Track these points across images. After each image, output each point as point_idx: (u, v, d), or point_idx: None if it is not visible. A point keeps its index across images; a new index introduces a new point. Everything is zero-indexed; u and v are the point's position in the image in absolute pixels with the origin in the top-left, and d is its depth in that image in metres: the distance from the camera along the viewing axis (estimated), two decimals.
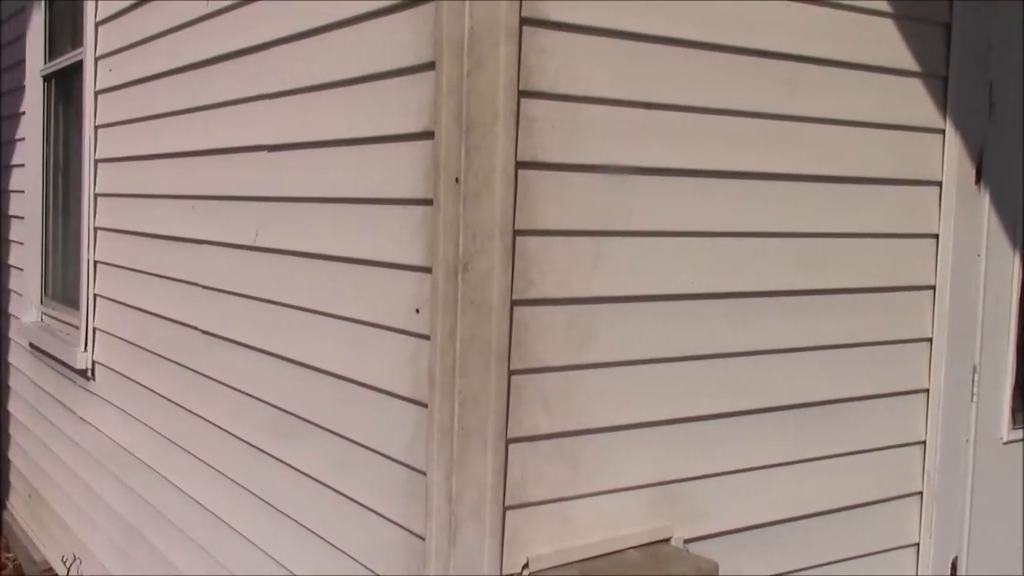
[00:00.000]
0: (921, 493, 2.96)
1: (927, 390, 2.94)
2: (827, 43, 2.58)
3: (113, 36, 4.18)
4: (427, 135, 2.16)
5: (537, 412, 2.20)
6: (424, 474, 2.18)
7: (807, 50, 2.54)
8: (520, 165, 2.12)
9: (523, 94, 2.11)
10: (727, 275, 2.48)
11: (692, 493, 2.48)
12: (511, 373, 2.15)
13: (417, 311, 2.22)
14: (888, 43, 2.72)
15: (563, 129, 2.17)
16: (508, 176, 2.10)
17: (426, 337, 2.18)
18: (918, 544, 2.97)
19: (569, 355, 2.24)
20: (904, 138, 2.79)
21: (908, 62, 2.77)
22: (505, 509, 2.16)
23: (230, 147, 3.15)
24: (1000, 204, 3.02)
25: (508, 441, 2.16)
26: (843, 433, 2.77)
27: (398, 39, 2.26)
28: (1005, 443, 3.13)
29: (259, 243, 2.99)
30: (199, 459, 3.46)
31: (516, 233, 2.13)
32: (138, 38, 3.88)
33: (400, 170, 2.27)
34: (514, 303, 2.14)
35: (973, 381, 3.01)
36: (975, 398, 3.02)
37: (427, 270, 2.18)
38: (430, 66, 2.14)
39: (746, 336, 2.54)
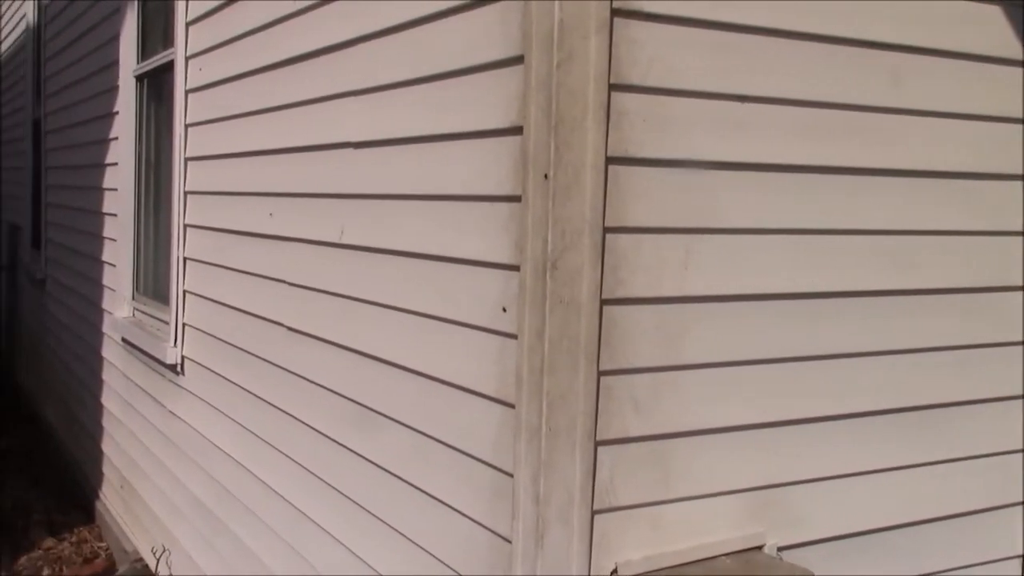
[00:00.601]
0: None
1: None
2: (931, 31, 2.47)
3: (203, 35, 4.23)
4: (515, 130, 2.11)
5: (627, 414, 2.14)
6: (511, 475, 2.14)
7: (910, 39, 2.44)
8: (610, 160, 2.06)
9: (613, 87, 2.06)
10: (824, 274, 2.39)
11: (788, 498, 2.39)
12: (600, 374, 2.10)
13: (504, 309, 2.18)
14: (992, 29, 2.59)
15: (654, 123, 2.11)
16: (598, 171, 2.05)
17: (513, 336, 2.14)
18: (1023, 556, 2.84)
19: (660, 356, 2.17)
20: (1004, 130, 2.66)
21: (1013, 49, 2.64)
22: (593, 512, 2.11)
23: (317, 144, 3.15)
24: None
25: (597, 443, 2.11)
26: (949, 438, 2.65)
27: (485, 33, 2.22)
28: None
29: (344, 240, 2.98)
30: (283, 453, 3.48)
31: (606, 230, 2.07)
32: (227, 37, 3.92)
33: (487, 166, 2.23)
34: (603, 302, 2.09)
35: None
36: None
37: (514, 268, 2.13)
38: (518, 60, 2.10)
39: (844, 337, 2.44)
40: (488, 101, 2.21)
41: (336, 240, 3.03)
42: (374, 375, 2.81)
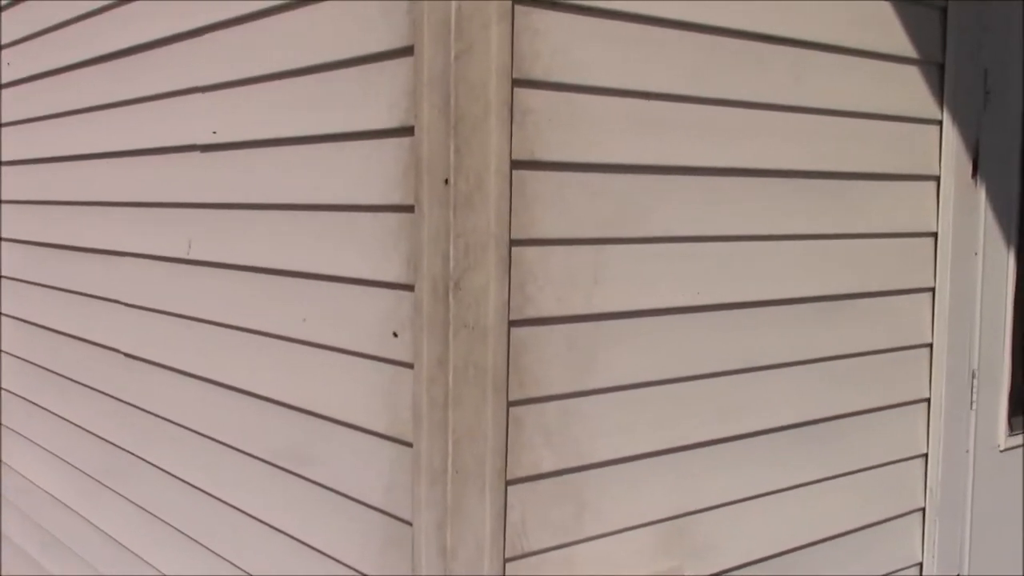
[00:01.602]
0: (923, 509, 2.78)
1: (928, 399, 2.75)
2: (830, 27, 2.36)
3: (14, 24, 3.76)
4: (405, 131, 1.86)
5: (538, 447, 1.92)
6: (409, 523, 1.89)
7: (811, 35, 2.32)
8: (515, 164, 1.84)
9: (517, 83, 1.83)
10: (733, 284, 2.24)
11: (700, 527, 2.23)
12: (510, 404, 1.87)
13: (395, 335, 1.92)
14: (887, 27, 2.51)
15: (561, 122, 1.90)
16: (502, 177, 1.82)
17: (407, 365, 1.89)
18: (921, 564, 2.79)
19: (571, 381, 1.97)
20: (904, 130, 2.59)
21: (907, 48, 2.57)
22: (505, 561, 1.88)
23: (157, 147, 2.79)
24: (995, 199, 2.86)
25: (508, 482, 1.88)
26: (848, 450, 2.56)
27: (366, 20, 1.95)
28: (1002, 451, 2.97)
29: (193, 255, 2.64)
30: (123, 496, 3.10)
31: (512, 243, 1.85)
32: (44, 26, 3.47)
33: (371, 172, 1.96)
34: (511, 324, 1.86)
35: (972, 387, 2.83)
36: (974, 405, 2.85)
37: (407, 287, 1.88)
38: (407, 51, 1.85)
39: (752, 350, 2.30)
40: (371, 98, 1.95)
41: (183, 255, 2.69)
42: (234, 409, 2.49)
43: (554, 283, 1.92)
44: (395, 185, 1.90)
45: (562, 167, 1.92)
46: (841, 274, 2.49)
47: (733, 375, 2.26)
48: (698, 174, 2.14)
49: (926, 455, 2.77)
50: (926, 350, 2.74)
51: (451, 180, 1.76)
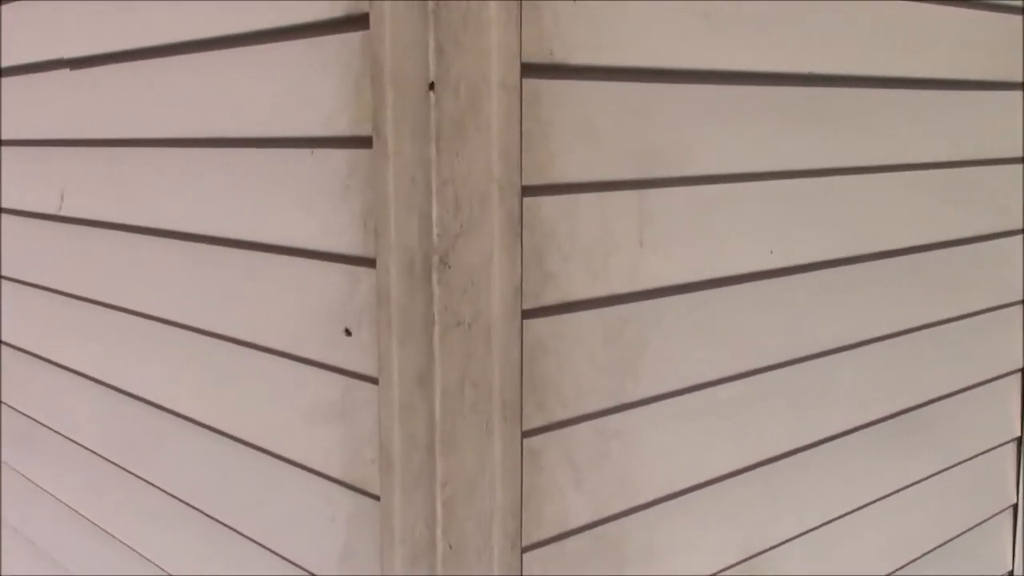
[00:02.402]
0: (1016, 505, 2.24)
1: (1023, 369, 2.19)
2: None
3: None
4: (355, 22, 1.21)
5: (565, 493, 1.31)
6: None
7: None
8: (527, 70, 1.20)
9: None
10: (815, 235, 1.64)
11: (776, 563, 1.65)
12: (524, 435, 1.25)
13: (347, 332, 1.29)
14: None
15: (590, 11, 1.26)
16: (510, 90, 1.18)
17: (368, 379, 1.26)
18: (1012, 571, 2.25)
19: (610, 390, 1.35)
20: (992, 21, 1.98)
21: None
22: None
23: (15, 65, 2.09)
24: None
25: (523, 550, 1.27)
26: (938, 443, 2.00)
27: None
28: None
29: (67, 211, 1.97)
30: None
31: (524, 191, 1.22)
32: None
33: (303, 86, 1.31)
34: (526, 315, 1.24)
35: None
36: None
37: (364, 262, 1.25)
38: None
39: (838, 325, 1.71)
40: None
41: (55, 210, 2.01)
42: (129, 419, 1.85)
43: (585, 249, 1.30)
44: (341, 105, 1.25)
45: (592, 74, 1.28)
46: (943, 214, 1.90)
47: (815, 359, 1.67)
48: (769, 83, 1.51)
49: (1020, 439, 2.22)
50: (1019, 308, 2.17)
51: (434, 96, 1.12)
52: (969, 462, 2.09)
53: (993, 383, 2.12)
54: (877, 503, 1.85)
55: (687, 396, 1.46)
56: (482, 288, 1.18)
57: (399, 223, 1.17)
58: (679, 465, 1.47)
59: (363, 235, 1.25)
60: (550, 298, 1.26)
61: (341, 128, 1.26)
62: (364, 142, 1.22)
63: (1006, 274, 2.11)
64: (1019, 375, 2.19)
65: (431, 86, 1.12)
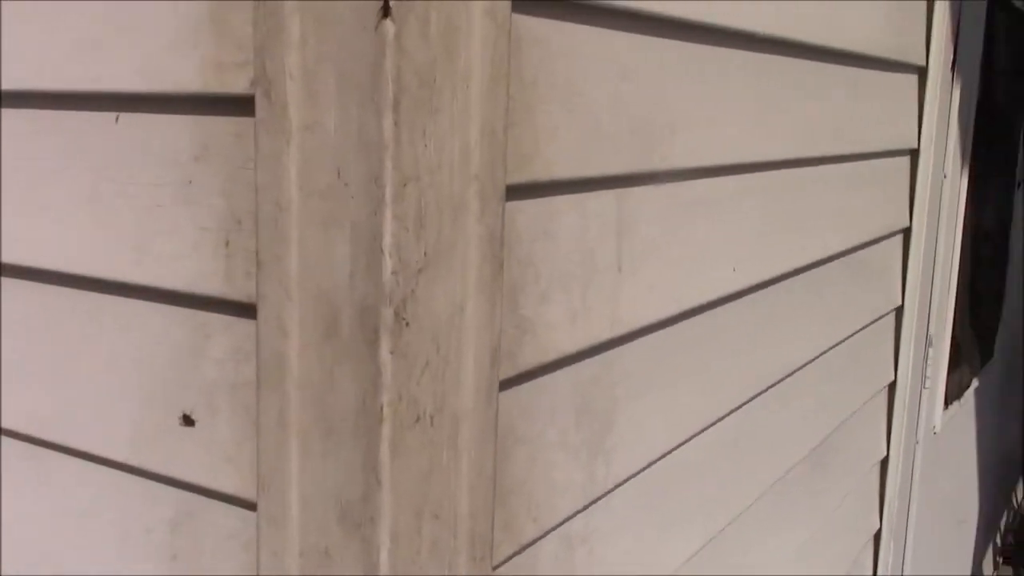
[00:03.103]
0: (879, 532, 2.04)
1: (893, 383, 1.99)
2: None
3: None
4: None
5: None
6: None
7: None
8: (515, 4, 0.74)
9: None
10: (768, 246, 1.29)
11: None
12: (496, 569, 0.81)
13: (187, 420, 0.78)
14: None
15: None
16: (500, 25, 0.72)
17: (234, 502, 0.76)
18: None
19: (581, 485, 0.93)
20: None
21: None
22: None
23: None
24: (965, 103, 2.12)
25: None
26: (833, 475, 1.74)
27: None
28: (936, 434, 2.31)
29: None
30: None
31: (509, 194, 0.76)
32: None
33: (120, 15, 0.78)
34: (503, 386, 0.79)
35: (926, 359, 2.11)
36: (928, 382, 2.14)
37: (226, 308, 0.75)
38: None
39: (782, 350, 1.38)
40: None
41: None
42: None
43: (563, 280, 0.86)
44: (184, 36, 0.74)
45: (582, 11, 0.84)
46: (826, 223, 1.61)
47: (762, 397, 1.33)
48: (732, 42, 1.14)
49: (886, 459, 2.02)
50: (892, 316, 1.96)
51: (392, 27, 0.64)
52: (848, 490, 1.86)
53: (871, 401, 1.90)
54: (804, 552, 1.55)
55: (652, 469, 1.07)
56: (451, 356, 0.71)
57: (311, 250, 0.68)
58: (650, 556, 1.07)
59: (221, 263, 0.75)
60: (527, 359, 0.82)
61: (183, 77, 0.75)
62: (232, 104, 0.72)
63: (880, 281, 1.88)
64: (887, 391, 1.99)
65: (385, 10, 0.64)
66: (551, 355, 0.84)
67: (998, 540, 3.83)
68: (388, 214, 0.65)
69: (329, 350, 0.69)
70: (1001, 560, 3.85)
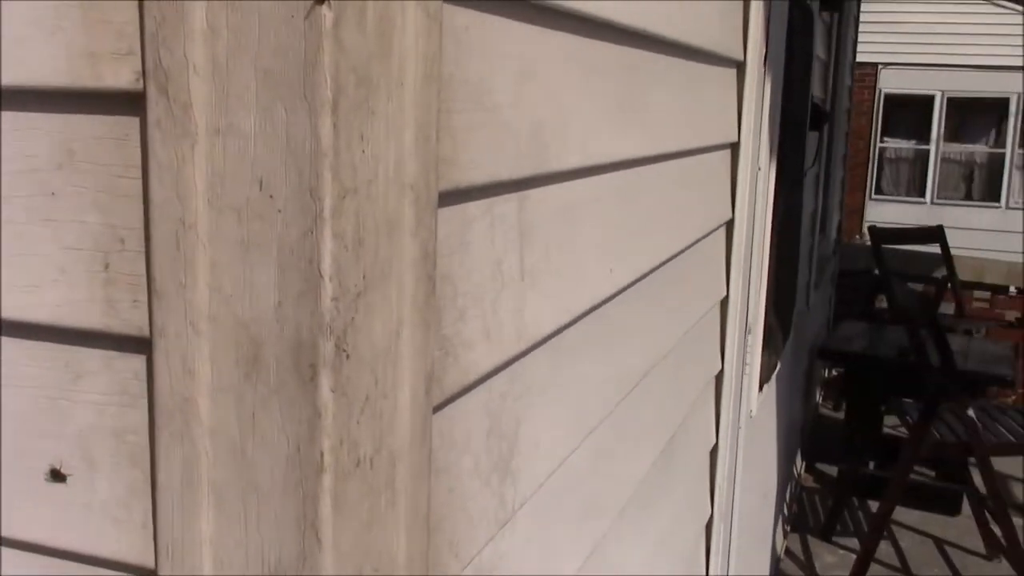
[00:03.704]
0: (711, 519, 2.09)
1: (721, 372, 2.04)
2: None
3: None
4: None
5: None
6: None
7: None
8: None
9: None
10: (638, 242, 1.27)
11: None
12: None
13: (56, 475, 0.66)
14: None
15: None
16: (432, 16, 0.64)
17: (140, 573, 0.65)
18: None
19: (494, 511, 0.87)
20: None
21: None
22: None
23: None
24: (773, 99, 2.19)
25: None
26: (679, 472, 1.75)
27: None
28: (753, 417, 2.39)
29: None
30: None
31: (441, 199, 0.69)
32: None
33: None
34: (436, 410, 0.71)
35: (745, 347, 2.18)
36: (747, 368, 2.21)
37: (103, 341, 0.64)
38: None
39: (645, 348, 1.36)
40: None
41: None
42: None
43: (477, 294, 0.79)
44: (42, 30, 0.62)
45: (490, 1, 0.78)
46: (671, 220, 1.62)
47: (627, 398, 1.31)
48: (593, 34, 1.11)
49: (715, 447, 2.07)
50: (718, 307, 2.01)
51: (329, 15, 0.55)
52: (688, 481, 1.88)
53: (703, 392, 1.93)
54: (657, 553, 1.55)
55: (548, 483, 1.02)
56: (388, 389, 0.63)
57: (225, 275, 0.58)
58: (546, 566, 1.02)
59: (98, 290, 0.64)
60: (451, 384, 0.75)
61: (40, 69, 0.63)
62: (108, 102, 0.61)
63: (709, 274, 1.92)
64: (715, 381, 2.03)
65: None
66: (471, 376, 0.77)
67: (784, 510, 4.05)
68: (327, 232, 0.56)
69: (250, 392, 0.59)
70: (789, 529, 4.08)
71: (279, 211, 0.57)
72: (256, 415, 0.59)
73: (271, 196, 0.57)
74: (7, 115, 0.66)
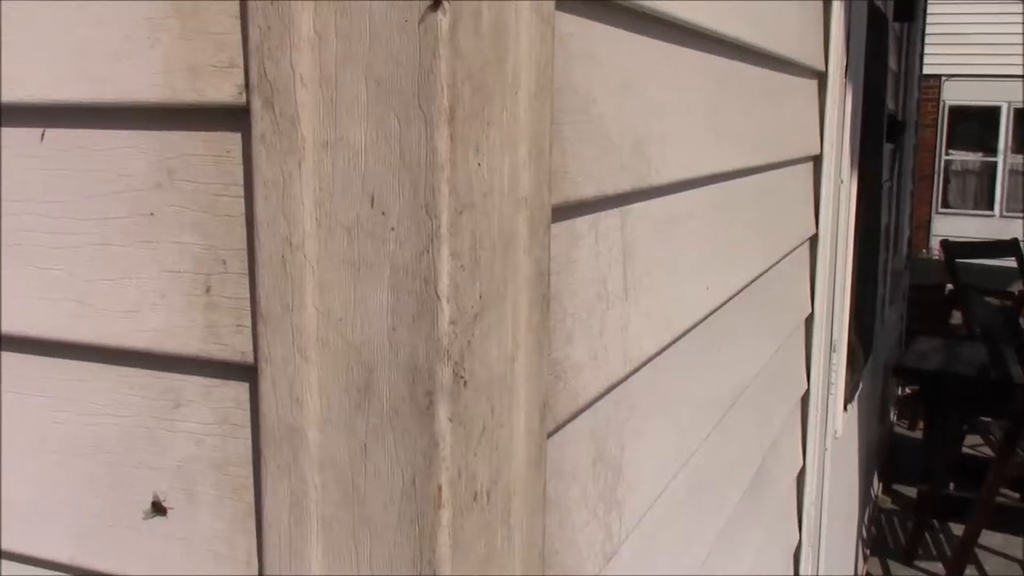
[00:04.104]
0: (799, 545, 2.02)
1: (807, 392, 1.97)
2: None
3: None
4: None
5: None
6: None
7: None
8: None
9: None
10: (733, 258, 1.22)
11: None
12: None
13: (158, 508, 0.63)
14: None
15: None
16: (545, 20, 0.60)
17: None
18: None
19: (601, 545, 0.82)
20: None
21: None
22: None
23: None
24: (856, 105, 2.13)
25: None
26: (764, 499, 1.69)
27: None
28: (838, 438, 2.31)
29: None
30: None
31: (554, 213, 0.65)
32: None
33: None
34: (548, 439, 0.67)
35: (830, 365, 2.11)
36: (832, 388, 2.13)
37: (226, 370, 0.61)
38: None
39: (737, 367, 1.31)
40: None
41: None
42: None
43: (583, 314, 0.76)
44: (140, 44, 0.59)
45: (608, 10, 0.74)
46: (761, 235, 1.56)
47: (723, 420, 1.26)
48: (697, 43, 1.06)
49: (803, 470, 2.00)
50: (803, 326, 1.94)
51: (445, 20, 0.51)
52: (774, 507, 1.82)
53: (791, 413, 1.87)
54: None
55: (651, 512, 0.97)
56: (504, 417, 0.59)
57: (335, 298, 0.55)
58: None
59: (199, 314, 0.61)
60: (562, 410, 0.70)
61: (137, 84, 0.60)
62: (209, 117, 0.58)
63: (800, 290, 1.86)
64: (801, 403, 1.96)
65: (435, 0, 0.52)
66: (580, 401, 0.73)
67: (863, 532, 3.94)
68: (444, 250, 0.52)
69: (362, 421, 0.56)
70: (868, 552, 3.96)
71: (392, 229, 0.53)
72: (368, 446, 0.56)
73: (383, 213, 0.53)
74: (103, 133, 0.63)
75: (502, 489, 0.59)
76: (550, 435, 0.69)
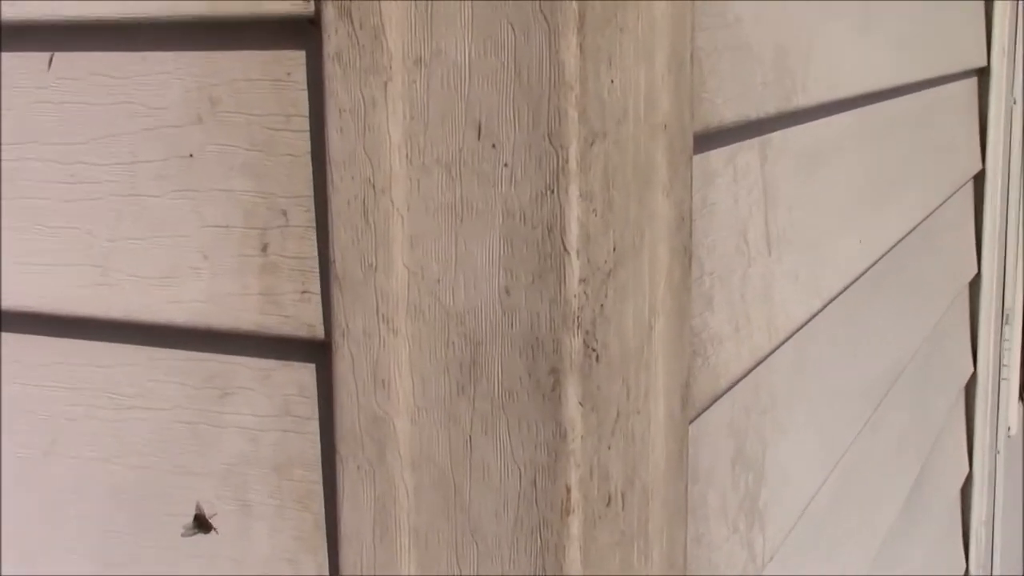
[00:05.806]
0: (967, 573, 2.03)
1: (973, 376, 1.97)
2: None
3: None
4: None
5: None
6: None
7: None
8: None
9: None
10: (887, 203, 1.23)
11: None
12: None
13: (201, 522, 0.66)
14: None
15: None
16: None
17: None
18: None
19: (743, 562, 0.85)
20: None
21: None
22: None
23: None
24: None
25: None
26: (931, 498, 1.71)
27: None
28: (1011, 436, 2.32)
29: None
30: None
31: (697, 140, 0.67)
32: None
33: None
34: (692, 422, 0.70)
35: (1001, 343, 2.11)
36: (1005, 372, 2.14)
37: (290, 349, 0.64)
38: None
39: (883, 351, 1.33)
40: None
41: None
42: None
43: (723, 274, 0.78)
44: None
45: None
46: (916, 175, 1.57)
47: (875, 415, 1.27)
48: None
49: (969, 477, 2.01)
50: (966, 291, 1.94)
51: None
52: (936, 525, 1.83)
53: (954, 405, 1.87)
54: None
55: (799, 524, 0.99)
56: (640, 402, 0.61)
57: (431, 254, 0.57)
58: None
59: (253, 279, 0.63)
60: (701, 393, 0.72)
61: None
62: (265, 32, 0.60)
63: (963, 245, 1.86)
64: (963, 390, 1.97)
65: None
66: (721, 383, 0.75)
67: None
68: (572, 190, 0.54)
69: (466, 409, 0.58)
70: None
71: (505, 165, 0.55)
72: (474, 440, 0.58)
73: (493, 145, 0.55)
74: (127, 56, 0.66)
75: (639, 492, 0.62)
76: (689, 424, 0.72)
